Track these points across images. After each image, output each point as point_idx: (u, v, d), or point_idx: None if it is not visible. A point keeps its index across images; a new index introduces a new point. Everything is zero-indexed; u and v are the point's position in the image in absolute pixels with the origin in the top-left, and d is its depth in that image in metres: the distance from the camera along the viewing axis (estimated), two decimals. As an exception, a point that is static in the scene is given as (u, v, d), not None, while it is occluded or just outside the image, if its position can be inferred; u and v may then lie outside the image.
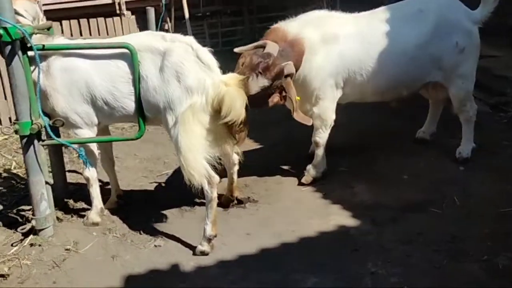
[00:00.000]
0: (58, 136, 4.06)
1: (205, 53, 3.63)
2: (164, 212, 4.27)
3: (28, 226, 3.85)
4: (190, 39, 3.68)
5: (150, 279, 3.48)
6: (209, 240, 3.68)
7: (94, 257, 3.72)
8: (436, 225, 3.83)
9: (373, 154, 5.03)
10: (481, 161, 4.69)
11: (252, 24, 11.34)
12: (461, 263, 3.38)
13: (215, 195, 3.65)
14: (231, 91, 3.48)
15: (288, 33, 4.20)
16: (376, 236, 3.76)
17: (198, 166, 3.57)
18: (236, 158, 4.18)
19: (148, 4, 8.41)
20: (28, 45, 3.54)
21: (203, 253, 3.66)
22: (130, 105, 3.76)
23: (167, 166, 5.21)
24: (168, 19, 9.46)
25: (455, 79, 4.53)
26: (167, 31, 8.72)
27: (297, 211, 4.22)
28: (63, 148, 4.53)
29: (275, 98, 4.01)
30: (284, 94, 4.00)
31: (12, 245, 3.83)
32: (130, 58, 3.62)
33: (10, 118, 6.31)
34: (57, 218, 4.07)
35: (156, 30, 7.46)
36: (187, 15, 9.63)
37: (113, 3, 9.18)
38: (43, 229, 3.86)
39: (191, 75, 3.55)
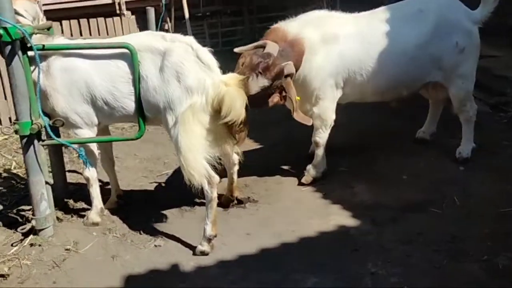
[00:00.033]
0: (58, 136, 4.06)
1: (205, 53, 3.63)
2: (164, 212, 4.27)
3: (28, 226, 3.85)
4: (190, 39, 3.68)
5: (150, 279, 3.48)
6: (209, 240, 3.68)
7: (94, 257, 3.72)
8: (436, 225, 3.83)
9: (373, 154, 5.03)
10: (481, 161, 4.68)
11: (252, 24, 11.34)
12: (461, 263, 3.38)
13: (215, 195, 3.65)
14: (231, 91, 3.48)
15: (288, 33, 4.20)
16: (376, 236, 3.75)
17: (198, 166, 3.57)
18: (236, 158, 4.18)
19: (148, 4, 8.41)
20: (28, 45, 3.54)
21: (203, 253, 3.66)
22: (130, 105, 3.76)
23: (167, 166, 5.21)
24: (168, 19, 9.46)
25: (455, 79, 4.53)
26: (167, 31, 8.72)
27: (297, 211, 4.22)
28: (63, 148, 4.53)
29: (275, 98, 4.00)
30: (284, 94, 4.00)
31: (12, 245, 3.83)
32: (130, 58, 3.62)
33: (10, 118, 6.31)
34: (57, 218, 4.07)
35: (156, 30, 7.46)
36: (187, 15, 9.63)
37: (113, 3, 9.18)
38: (43, 229, 3.86)
39: (191, 75, 3.55)
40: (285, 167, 4.98)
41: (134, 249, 3.79)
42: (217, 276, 3.46)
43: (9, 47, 3.50)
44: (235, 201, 4.36)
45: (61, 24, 7.61)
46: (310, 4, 9.26)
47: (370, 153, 5.06)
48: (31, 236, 3.86)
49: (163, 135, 5.39)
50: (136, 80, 3.65)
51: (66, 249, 3.77)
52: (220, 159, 3.90)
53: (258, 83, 3.81)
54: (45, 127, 3.73)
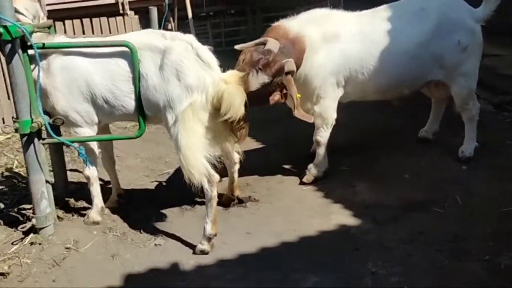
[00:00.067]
0: (59, 134, 4.06)
1: (205, 51, 3.62)
2: (165, 211, 4.27)
3: (28, 225, 3.85)
4: (190, 37, 3.67)
5: (150, 278, 3.47)
6: (209, 239, 3.66)
7: (94, 256, 3.71)
8: (438, 224, 3.80)
9: (375, 153, 5.00)
10: (484, 160, 4.65)
11: (255, 24, 11.33)
12: (463, 263, 3.35)
13: (215, 193, 3.63)
14: (230, 88, 3.46)
15: (289, 31, 4.18)
16: (377, 235, 3.73)
17: (198, 165, 3.55)
18: (236, 157, 4.17)
19: (151, 4, 8.41)
20: (28, 43, 3.54)
21: (203, 252, 3.65)
22: (130, 103, 3.75)
23: (168, 165, 5.20)
24: (171, 19, 9.45)
25: (458, 77, 4.50)
26: (170, 31, 8.70)
27: (298, 210, 4.20)
28: (64, 147, 4.54)
29: (275, 96, 3.98)
30: (284, 91, 3.98)
31: (12, 243, 3.84)
32: (130, 56, 3.61)
33: (13, 117, 6.31)
34: (58, 217, 4.07)
35: (159, 30, 7.45)
36: (190, 15, 9.61)
37: (117, 3, 9.18)
38: (43, 228, 3.86)
39: (191, 73, 3.54)
40: (287, 166, 4.96)
41: (134, 248, 3.78)
42: (217, 275, 3.45)
43: (9, 45, 3.50)
44: (236, 200, 4.34)
45: (64, 24, 7.62)
46: (314, 3, 9.26)
47: (372, 152, 5.04)
48: (31, 235, 3.86)
49: (165, 135, 5.38)
50: (136, 78, 3.64)
51: (66, 248, 3.77)
52: (220, 158, 3.89)
53: (258, 80, 3.79)
54: (45, 125, 3.73)
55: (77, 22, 7.73)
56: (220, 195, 4.20)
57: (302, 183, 4.62)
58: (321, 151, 4.59)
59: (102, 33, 7.92)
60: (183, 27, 9.49)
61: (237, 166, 4.23)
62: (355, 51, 4.34)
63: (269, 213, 4.20)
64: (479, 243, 3.53)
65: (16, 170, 5.19)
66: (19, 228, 3.88)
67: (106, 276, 3.49)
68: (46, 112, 3.78)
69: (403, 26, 4.41)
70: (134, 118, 3.86)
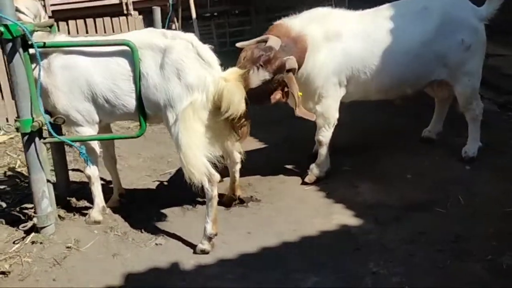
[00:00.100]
0: (60, 134, 4.06)
1: (206, 50, 3.61)
2: (166, 210, 4.26)
3: (29, 224, 3.85)
4: (191, 36, 3.66)
5: (150, 278, 3.46)
6: (209, 238, 3.65)
7: (95, 255, 3.71)
8: (440, 224, 3.78)
9: (377, 153, 4.97)
10: (487, 160, 4.61)
11: (259, 24, 11.31)
12: (465, 263, 3.33)
13: (215, 193, 3.62)
14: (229, 85, 3.45)
15: (291, 29, 4.16)
16: (378, 235, 3.71)
17: (198, 164, 3.54)
18: (238, 156, 4.16)
19: (155, 4, 8.42)
20: (29, 42, 3.54)
21: (204, 252, 3.64)
22: (131, 102, 3.75)
23: (170, 165, 5.19)
24: (175, 19, 9.45)
25: (461, 76, 4.47)
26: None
27: (300, 210, 4.19)
28: (67, 147, 4.54)
29: (277, 95, 3.96)
30: (286, 90, 3.96)
31: (14, 242, 3.84)
32: (131, 55, 3.61)
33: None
34: (59, 216, 4.07)
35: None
36: (194, 15, 9.62)
37: (121, 3, 9.21)
38: (44, 227, 3.86)
39: (191, 72, 3.53)
40: (289, 166, 4.94)
41: (135, 248, 3.78)
42: (217, 275, 3.43)
43: (10, 44, 3.50)
44: (237, 200, 4.33)
45: (67, 24, 7.64)
46: (318, 3, 9.23)
47: (374, 152, 5.01)
48: (32, 234, 3.86)
49: (167, 134, 5.33)
50: (137, 77, 3.64)
51: (67, 247, 3.76)
52: (222, 157, 3.88)
53: (259, 76, 3.76)
54: (46, 124, 3.73)
55: (80, 22, 7.75)
56: (221, 195, 4.20)
57: (304, 183, 4.60)
58: (323, 151, 4.57)
59: (105, 33, 7.93)
60: (187, 27, 9.48)
61: (238, 166, 4.22)
62: (357, 50, 4.32)
63: (270, 213, 4.19)
64: (481, 243, 3.50)
65: (19, 170, 5.20)
66: (20, 227, 3.88)
67: (107, 275, 3.49)
68: (47, 111, 3.79)
69: (406, 25, 4.38)
70: (135, 117, 3.86)
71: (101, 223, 4.06)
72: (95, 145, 4.04)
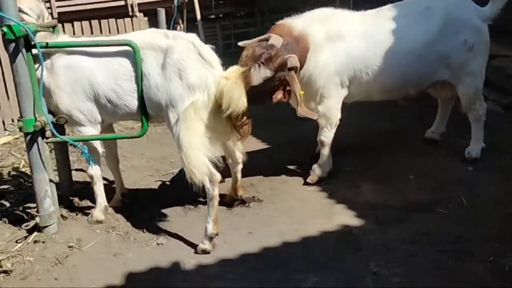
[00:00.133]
0: (63, 133, 4.08)
1: (207, 50, 3.63)
2: (168, 210, 4.27)
3: (32, 223, 3.87)
4: (192, 37, 3.67)
5: (151, 277, 3.47)
6: (210, 238, 3.66)
7: (97, 255, 3.72)
8: (442, 225, 3.76)
9: (380, 153, 4.96)
10: (490, 161, 4.59)
11: (264, 25, 11.32)
12: (466, 264, 3.31)
13: (216, 193, 3.62)
14: (229, 83, 3.45)
15: (293, 29, 4.16)
16: (379, 236, 3.70)
17: (200, 164, 3.55)
18: (240, 156, 4.17)
19: (160, 6, 8.45)
20: (32, 42, 3.57)
21: (205, 252, 3.64)
22: (133, 102, 3.77)
23: (173, 165, 5.21)
24: (180, 21, 9.49)
25: (464, 77, 4.45)
26: (179, 32, 8.73)
27: (302, 211, 4.18)
28: (70, 146, 4.56)
29: (278, 95, 3.95)
30: (288, 89, 3.95)
31: (16, 241, 3.86)
32: (133, 55, 3.62)
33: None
34: (62, 216, 4.08)
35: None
36: (199, 16, 9.65)
37: (126, 5, 9.27)
38: (47, 226, 3.87)
39: (193, 72, 3.54)
40: (291, 167, 4.94)
41: (137, 247, 3.79)
42: (218, 275, 3.44)
43: (13, 44, 3.53)
44: (239, 201, 4.33)
45: (72, 26, 7.68)
46: (322, 5, 9.22)
47: (377, 152, 4.99)
48: (35, 233, 3.87)
49: (171, 135, 5.38)
50: (139, 77, 3.65)
51: (69, 246, 3.78)
52: (223, 158, 3.88)
53: (261, 74, 3.75)
54: (48, 124, 3.75)
55: (85, 23, 7.80)
56: (223, 195, 4.20)
57: (306, 183, 4.60)
58: (325, 151, 4.57)
59: (110, 34, 7.97)
60: (192, 29, 9.52)
61: (240, 166, 4.22)
62: (359, 51, 4.31)
63: (272, 213, 4.19)
64: (483, 244, 3.48)
65: (23, 170, 5.23)
66: (22, 226, 3.90)
67: (108, 274, 3.50)
68: (50, 111, 3.81)
69: (408, 25, 4.37)
70: (137, 117, 3.87)
71: (103, 223, 4.08)
72: (98, 145, 4.07)
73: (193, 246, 3.73)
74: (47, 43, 3.65)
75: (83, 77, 3.75)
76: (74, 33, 7.58)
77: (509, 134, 5.21)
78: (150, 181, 4.92)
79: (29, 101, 3.65)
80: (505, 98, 5.94)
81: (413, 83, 4.52)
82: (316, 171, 4.59)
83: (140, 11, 9.39)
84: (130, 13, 9.27)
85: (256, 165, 4.64)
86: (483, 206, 3.95)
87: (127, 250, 3.75)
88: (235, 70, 3.59)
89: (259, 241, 3.73)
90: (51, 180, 3.90)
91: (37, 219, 3.86)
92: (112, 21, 8.16)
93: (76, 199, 4.42)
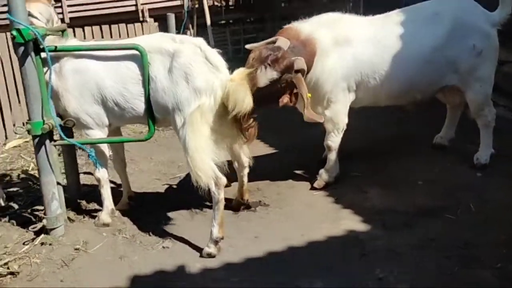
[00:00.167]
0: (71, 136, 4.11)
1: (214, 54, 3.64)
2: (174, 214, 4.28)
3: (39, 225, 3.90)
4: (199, 40, 3.69)
5: (156, 280, 3.47)
6: (215, 242, 3.65)
7: (103, 257, 3.74)
8: (450, 231, 3.73)
9: (388, 158, 4.94)
10: (500, 167, 4.55)
11: (274, 31, 11.34)
12: (473, 270, 3.27)
13: (222, 196, 3.62)
14: (234, 85, 3.46)
15: (300, 33, 4.16)
16: (386, 241, 3.67)
17: (205, 167, 3.55)
18: (246, 160, 4.17)
19: (171, 11, 8.51)
20: (41, 46, 3.60)
21: (210, 255, 3.64)
22: (140, 106, 3.79)
23: (180, 169, 5.22)
24: (190, 26, 9.55)
25: (473, 82, 4.42)
26: (188, 37, 8.77)
27: (308, 216, 4.17)
28: (79, 150, 4.59)
29: (285, 98, 3.93)
30: (295, 91, 3.93)
31: (23, 243, 3.88)
32: (140, 59, 3.65)
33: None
34: (69, 218, 4.10)
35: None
36: (209, 22, 9.71)
37: (137, 10, 9.36)
38: (54, 229, 3.90)
39: (199, 76, 3.56)
40: (298, 172, 4.93)
41: (142, 250, 3.79)
42: (223, 278, 3.43)
43: (22, 48, 3.56)
44: (245, 205, 4.32)
45: (83, 30, 7.76)
46: (332, 10, 9.22)
47: (384, 157, 4.97)
48: (42, 235, 3.90)
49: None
50: (146, 81, 3.68)
51: (76, 249, 3.79)
52: (229, 162, 3.88)
53: (267, 75, 3.73)
54: (56, 127, 3.78)
55: (96, 28, 7.86)
56: (230, 200, 4.20)
57: (313, 188, 4.58)
58: (332, 156, 4.55)
59: (120, 39, 8.02)
60: (202, 34, 9.55)
61: (246, 170, 4.22)
62: (367, 56, 4.31)
63: (278, 217, 4.18)
64: (491, 250, 3.45)
65: (32, 172, 5.28)
66: (30, 228, 3.94)
67: (113, 277, 3.51)
68: (58, 114, 3.84)
69: (416, 30, 4.36)
70: (144, 120, 3.89)
71: (110, 226, 4.10)
72: (105, 148, 4.09)
73: (199, 249, 3.73)
74: (55, 47, 3.69)
75: (91, 80, 3.78)
76: (85, 38, 7.63)
77: (519, 140, 5.16)
78: (157, 184, 4.93)
79: (38, 104, 3.68)
80: (515, 104, 5.89)
81: (420, 88, 4.49)
82: (323, 176, 4.58)
83: (150, 16, 9.46)
84: (141, 18, 9.35)
85: (263, 169, 4.64)
86: (491, 212, 3.91)
87: (133, 253, 3.76)
88: (241, 71, 3.60)
89: (264, 246, 3.72)
90: (58, 183, 3.93)
91: (44, 221, 3.89)
92: (122, 26, 8.22)
93: (83, 202, 4.45)
